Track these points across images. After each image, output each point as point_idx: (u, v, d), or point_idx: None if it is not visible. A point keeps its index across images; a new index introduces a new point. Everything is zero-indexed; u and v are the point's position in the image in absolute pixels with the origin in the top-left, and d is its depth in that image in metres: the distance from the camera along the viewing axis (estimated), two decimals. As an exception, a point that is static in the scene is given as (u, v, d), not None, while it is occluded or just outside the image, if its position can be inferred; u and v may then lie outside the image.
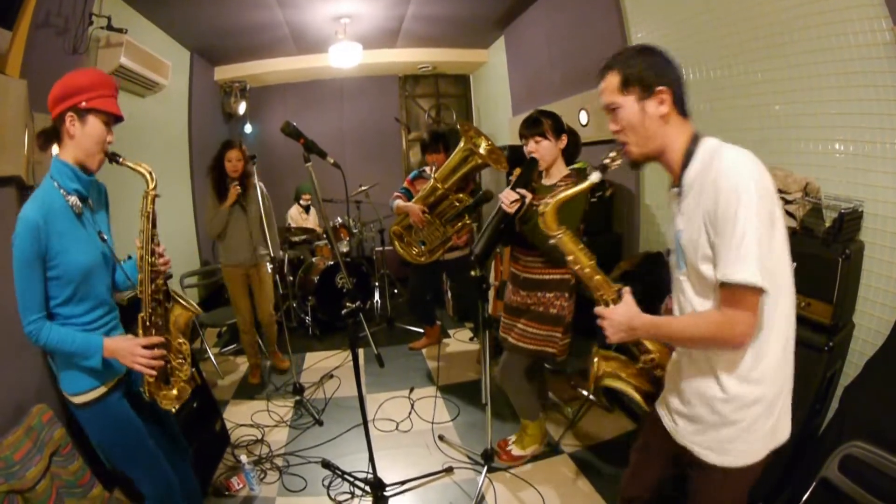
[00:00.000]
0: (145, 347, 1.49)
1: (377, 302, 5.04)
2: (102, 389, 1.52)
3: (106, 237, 1.56)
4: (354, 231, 5.04)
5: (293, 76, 5.97)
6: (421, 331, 4.25)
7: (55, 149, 1.49)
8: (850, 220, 1.74)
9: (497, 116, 5.67)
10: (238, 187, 3.21)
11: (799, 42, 1.99)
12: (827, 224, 1.82)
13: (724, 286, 1.03)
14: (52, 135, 1.47)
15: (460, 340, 4.30)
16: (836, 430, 1.50)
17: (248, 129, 6.13)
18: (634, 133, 1.15)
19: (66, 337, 1.43)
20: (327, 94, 6.39)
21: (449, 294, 4.79)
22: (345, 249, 4.94)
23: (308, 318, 4.52)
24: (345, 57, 4.66)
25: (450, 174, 2.82)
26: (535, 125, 2.17)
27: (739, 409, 1.13)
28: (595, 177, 1.21)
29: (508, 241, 2.32)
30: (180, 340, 1.61)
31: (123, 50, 3.01)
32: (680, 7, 2.58)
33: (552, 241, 1.28)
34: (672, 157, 1.16)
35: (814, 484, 1.46)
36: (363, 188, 4.90)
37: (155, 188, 1.52)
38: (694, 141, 1.14)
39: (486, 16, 4.63)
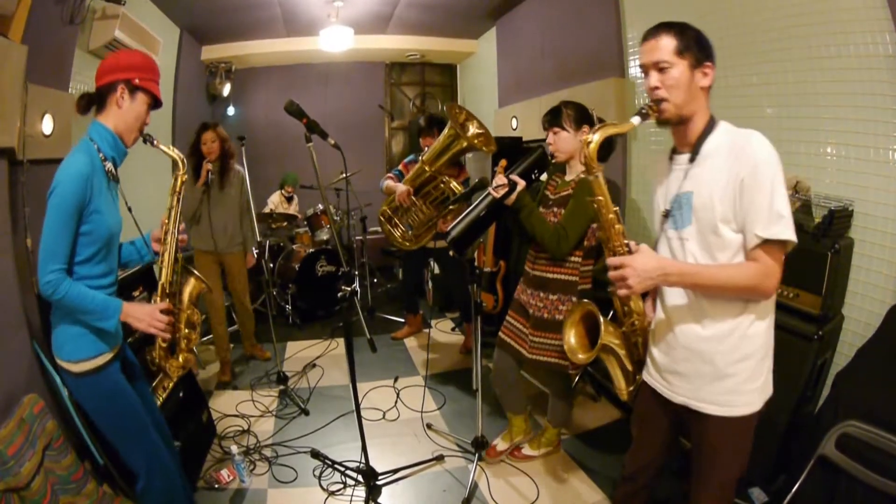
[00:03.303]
0: (162, 312, 1.55)
1: (357, 291, 4.97)
2: (105, 357, 1.52)
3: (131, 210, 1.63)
4: (336, 219, 4.96)
5: (280, 59, 5.84)
6: (402, 320, 4.23)
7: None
8: (840, 218, 1.82)
9: (482, 107, 5.66)
10: (209, 164, 3.07)
11: (796, 49, 2.05)
12: (816, 221, 1.90)
13: (765, 242, 1.16)
14: (94, 100, 1.51)
15: (442, 330, 4.31)
16: (831, 412, 1.60)
17: (230, 111, 5.97)
18: (678, 93, 1.24)
19: (86, 294, 1.43)
20: (312, 78, 6.26)
21: (430, 284, 4.78)
22: (325, 237, 4.87)
23: (288, 307, 4.43)
24: (335, 41, 4.58)
25: (437, 156, 2.82)
26: (553, 115, 2.09)
27: (733, 363, 1.26)
28: (636, 120, 1.28)
29: (523, 237, 2.20)
30: (191, 311, 1.71)
31: (119, 23, 2.87)
32: (679, 8, 2.63)
33: (589, 177, 1.34)
34: (695, 126, 1.29)
35: (811, 461, 1.55)
36: (344, 175, 4.82)
37: (185, 172, 1.62)
38: (712, 119, 1.29)
39: (480, 5, 4.60)
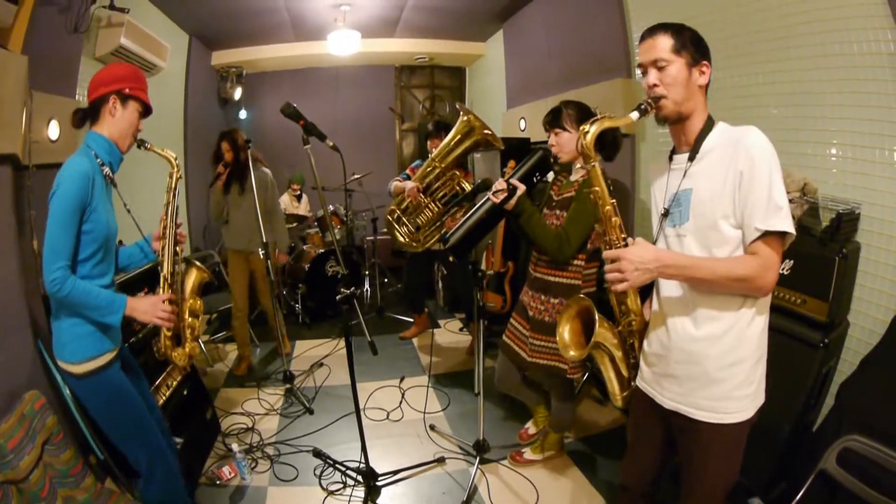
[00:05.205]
0: (165, 302, 1.61)
1: (367, 291, 5.03)
2: (106, 357, 1.57)
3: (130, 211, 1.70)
4: (346, 220, 5.00)
5: (289, 63, 5.91)
6: (411, 320, 4.25)
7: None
8: (847, 221, 1.77)
9: (491, 110, 5.65)
10: (223, 167, 3.25)
11: (801, 48, 2.01)
12: (824, 224, 1.85)
13: (764, 235, 1.16)
14: (88, 114, 1.60)
15: (450, 331, 4.32)
16: (833, 424, 1.54)
17: (242, 114, 6.07)
18: (677, 90, 1.25)
19: (92, 289, 1.49)
20: (322, 82, 6.32)
21: (440, 284, 4.79)
22: (336, 237, 4.91)
23: (298, 306, 4.49)
24: (343, 45, 4.63)
25: (448, 152, 2.83)
26: (554, 116, 2.08)
27: (724, 367, 1.25)
28: (634, 115, 1.28)
29: (526, 239, 2.16)
30: (193, 300, 1.78)
31: (124, 30, 2.94)
32: (683, 8, 2.60)
33: (586, 166, 1.33)
34: (693, 124, 1.30)
35: (812, 476, 1.50)
36: (356, 177, 4.86)
37: (179, 170, 1.72)
38: (710, 118, 1.31)
39: (486, 8, 4.61)
